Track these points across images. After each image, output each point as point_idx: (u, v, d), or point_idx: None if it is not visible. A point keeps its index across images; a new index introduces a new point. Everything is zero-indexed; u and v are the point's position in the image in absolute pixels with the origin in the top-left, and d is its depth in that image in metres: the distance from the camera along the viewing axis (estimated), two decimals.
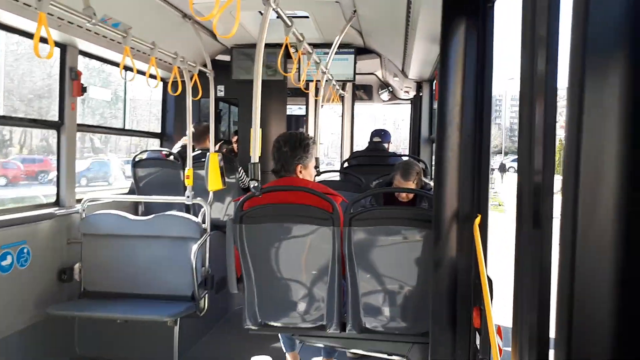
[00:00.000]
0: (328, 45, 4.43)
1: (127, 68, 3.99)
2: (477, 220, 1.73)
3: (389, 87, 6.58)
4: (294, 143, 2.33)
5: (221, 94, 4.95)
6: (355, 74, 4.74)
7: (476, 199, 1.78)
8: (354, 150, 6.00)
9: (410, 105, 6.42)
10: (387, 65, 5.45)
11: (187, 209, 4.11)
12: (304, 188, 2.24)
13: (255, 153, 2.06)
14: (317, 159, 3.83)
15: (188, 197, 3.42)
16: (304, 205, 2.19)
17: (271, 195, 2.28)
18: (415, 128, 5.42)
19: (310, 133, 5.80)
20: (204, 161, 3.65)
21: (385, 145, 4.58)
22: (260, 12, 4.04)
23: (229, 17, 3.53)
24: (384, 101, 6.87)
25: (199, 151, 4.21)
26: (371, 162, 4.45)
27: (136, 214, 4.17)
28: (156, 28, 3.59)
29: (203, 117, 5.58)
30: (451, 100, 1.81)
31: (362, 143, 6.41)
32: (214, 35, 4.40)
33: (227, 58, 4.85)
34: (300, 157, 2.34)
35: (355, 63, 4.72)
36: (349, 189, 3.72)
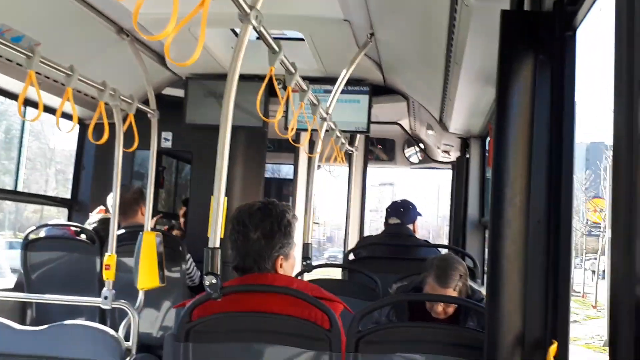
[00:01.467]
0: (331, 81, 4.59)
1: (30, 102, 4.10)
2: (552, 349, 1.72)
3: (420, 144, 6.74)
4: (270, 225, 2.29)
5: (167, 144, 5.05)
6: (369, 122, 4.88)
7: (551, 317, 1.78)
8: (365, 235, 6.03)
9: (451, 171, 6.54)
10: (417, 112, 5.63)
11: (102, 316, 4.03)
12: (286, 289, 2.22)
13: (215, 234, 2.07)
14: (307, 246, 3.83)
15: (106, 298, 3.36)
16: (285, 316, 2.17)
17: (235, 300, 2.26)
18: (458, 206, 5.47)
19: (300, 205, 5.87)
20: (134, 244, 3.66)
21: (410, 227, 4.58)
22: (233, 30, 4.24)
23: (187, 35, 3.70)
24: (412, 164, 7.00)
25: (126, 229, 4.19)
26: (390, 254, 4.44)
27: (23, 321, 4.08)
28: (78, 46, 3.73)
29: (137, 177, 5.63)
30: (513, 168, 1.86)
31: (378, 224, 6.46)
32: (161, 59, 4.57)
33: (178, 93, 5.02)
34: (282, 245, 2.32)
35: (370, 107, 4.88)
36: (355, 293, 3.67)
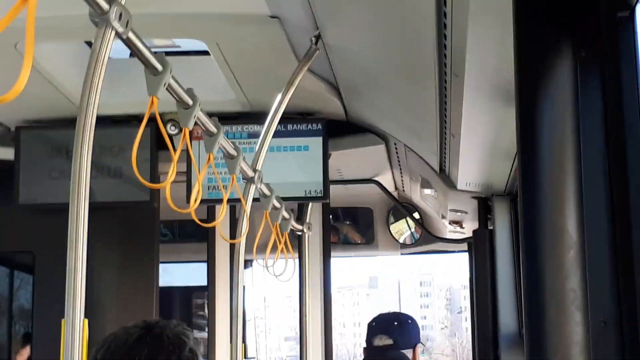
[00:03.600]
0: (259, 118, 4.59)
1: None
2: None
3: (414, 214, 6.74)
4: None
5: None
6: (327, 182, 4.92)
7: None
8: None
9: (467, 254, 6.55)
10: (405, 160, 5.65)
11: None
12: None
13: None
14: None
15: None
16: None
17: None
18: (482, 311, 5.47)
19: (222, 329, 5.79)
20: None
21: (408, 353, 4.57)
22: (89, 42, 4.24)
23: (15, 58, 3.69)
24: (403, 247, 6.98)
25: None
26: None
27: None
28: None
29: None
30: (551, 239, 1.91)
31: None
32: None
33: (5, 155, 5.02)
34: None
35: (326, 157, 4.93)
36: None
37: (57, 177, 4.78)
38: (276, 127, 4.02)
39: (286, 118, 4.27)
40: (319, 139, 4.92)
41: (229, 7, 3.56)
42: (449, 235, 6.60)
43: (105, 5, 2.15)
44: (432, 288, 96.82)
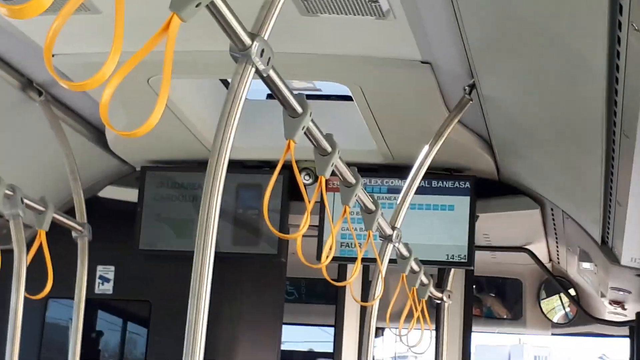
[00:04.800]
0: (401, 171, 4.60)
1: None
2: None
3: (570, 290, 6.61)
4: None
5: (106, 287, 5.12)
6: (473, 247, 4.90)
7: None
8: None
9: (628, 341, 6.38)
10: (562, 228, 5.56)
11: None
12: None
13: None
14: None
15: None
16: None
17: None
18: None
19: None
20: None
21: None
22: (223, 81, 4.31)
23: (146, 92, 3.77)
24: (554, 326, 6.85)
25: None
26: None
27: None
28: None
29: (52, 348, 5.60)
30: None
31: None
32: (99, 135, 4.71)
33: (128, 196, 5.15)
34: None
35: (473, 219, 4.91)
36: None
37: (180, 223, 4.87)
38: (420, 183, 4.01)
39: (431, 173, 4.27)
40: (466, 199, 4.92)
41: (376, 50, 3.59)
42: (608, 317, 6.46)
43: (247, 40, 2.19)
44: None
